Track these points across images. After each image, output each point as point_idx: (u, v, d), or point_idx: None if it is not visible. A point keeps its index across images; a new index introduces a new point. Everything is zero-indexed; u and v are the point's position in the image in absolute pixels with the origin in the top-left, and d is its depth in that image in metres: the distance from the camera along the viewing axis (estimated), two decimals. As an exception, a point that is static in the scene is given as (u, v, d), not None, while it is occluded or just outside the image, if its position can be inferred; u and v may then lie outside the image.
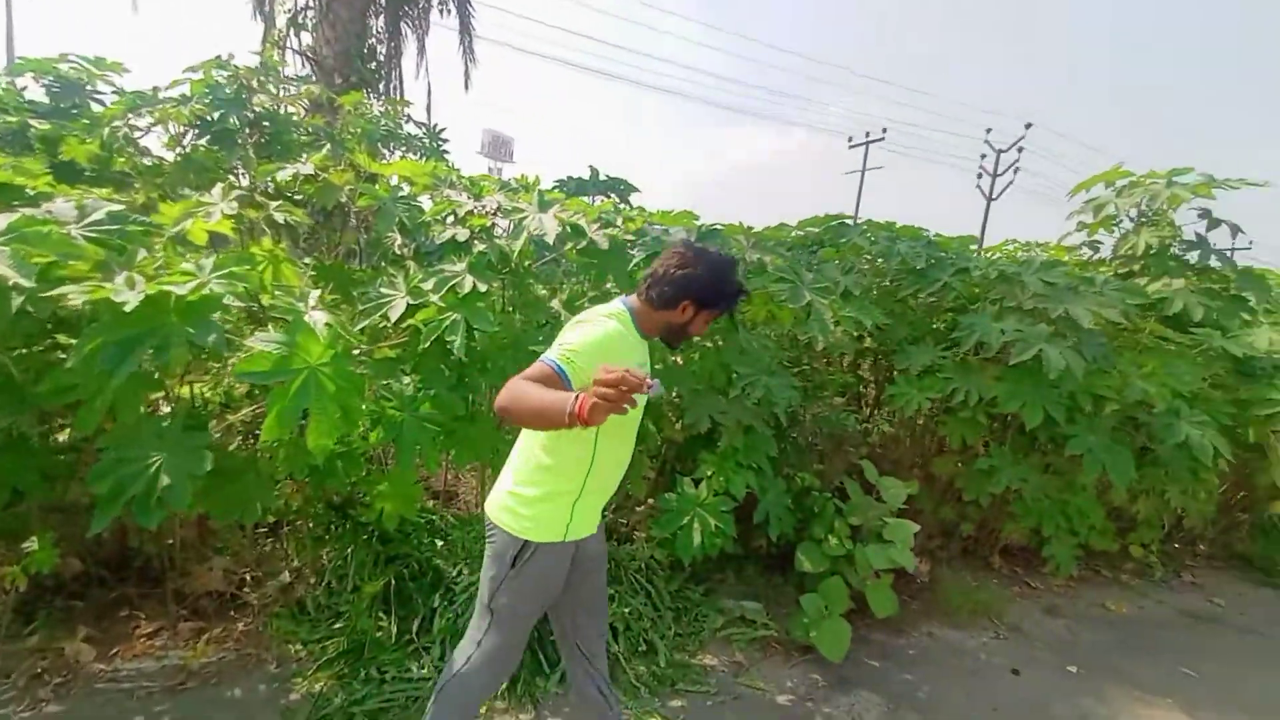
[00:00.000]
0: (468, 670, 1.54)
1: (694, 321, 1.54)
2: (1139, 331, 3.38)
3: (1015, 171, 21.85)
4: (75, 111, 2.83)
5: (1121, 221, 3.70)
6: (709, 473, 2.70)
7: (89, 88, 2.93)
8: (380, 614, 2.35)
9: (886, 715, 2.30)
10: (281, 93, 2.81)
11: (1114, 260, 3.77)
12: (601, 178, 4.08)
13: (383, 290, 2.30)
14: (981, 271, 3.20)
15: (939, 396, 3.02)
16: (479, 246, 2.46)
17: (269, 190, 2.32)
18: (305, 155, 2.39)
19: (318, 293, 1.95)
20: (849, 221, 3.75)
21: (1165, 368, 3.05)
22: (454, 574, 2.49)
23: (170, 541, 2.42)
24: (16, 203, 1.82)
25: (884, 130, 25.55)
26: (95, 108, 2.95)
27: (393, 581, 2.38)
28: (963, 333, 3.00)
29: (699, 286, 1.49)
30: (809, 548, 2.74)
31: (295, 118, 2.73)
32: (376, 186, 2.41)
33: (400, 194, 2.47)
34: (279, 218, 2.07)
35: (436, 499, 3.41)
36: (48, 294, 1.55)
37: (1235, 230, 3.39)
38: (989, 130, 22.52)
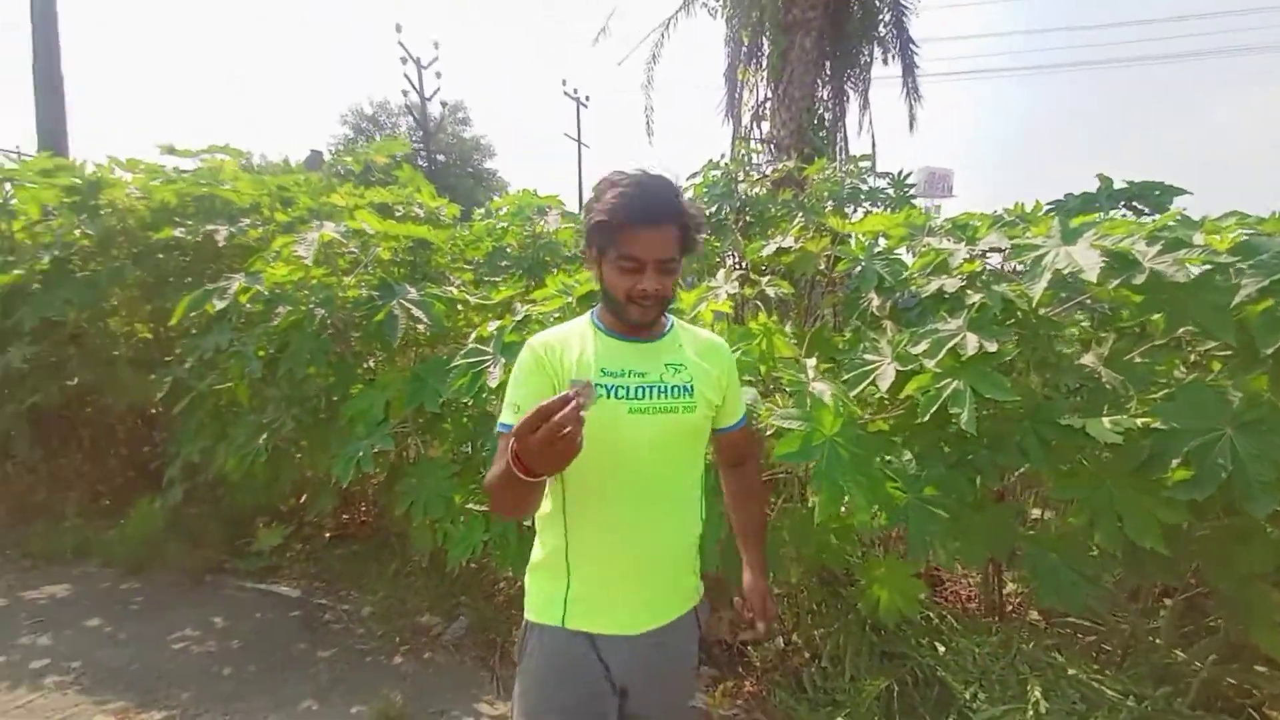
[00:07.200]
0: None
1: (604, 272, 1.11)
2: None
3: None
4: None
5: None
6: None
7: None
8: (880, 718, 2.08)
9: None
10: (752, 176, 3.10)
11: None
12: (1118, 185, 3.08)
13: (865, 356, 2.14)
14: None
15: None
16: (973, 297, 2.05)
17: (758, 268, 2.50)
18: (781, 229, 2.51)
19: (813, 362, 1.92)
20: None
21: None
22: (966, 695, 2.03)
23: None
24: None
25: None
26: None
27: (895, 686, 2.09)
28: None
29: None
30: None
31: (766, 195, 2.94)
32: (851, 247, 2.31)
33: (876, 250, 2.31)
34: (770, 292, 2.17)
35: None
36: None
37: None
38: None
